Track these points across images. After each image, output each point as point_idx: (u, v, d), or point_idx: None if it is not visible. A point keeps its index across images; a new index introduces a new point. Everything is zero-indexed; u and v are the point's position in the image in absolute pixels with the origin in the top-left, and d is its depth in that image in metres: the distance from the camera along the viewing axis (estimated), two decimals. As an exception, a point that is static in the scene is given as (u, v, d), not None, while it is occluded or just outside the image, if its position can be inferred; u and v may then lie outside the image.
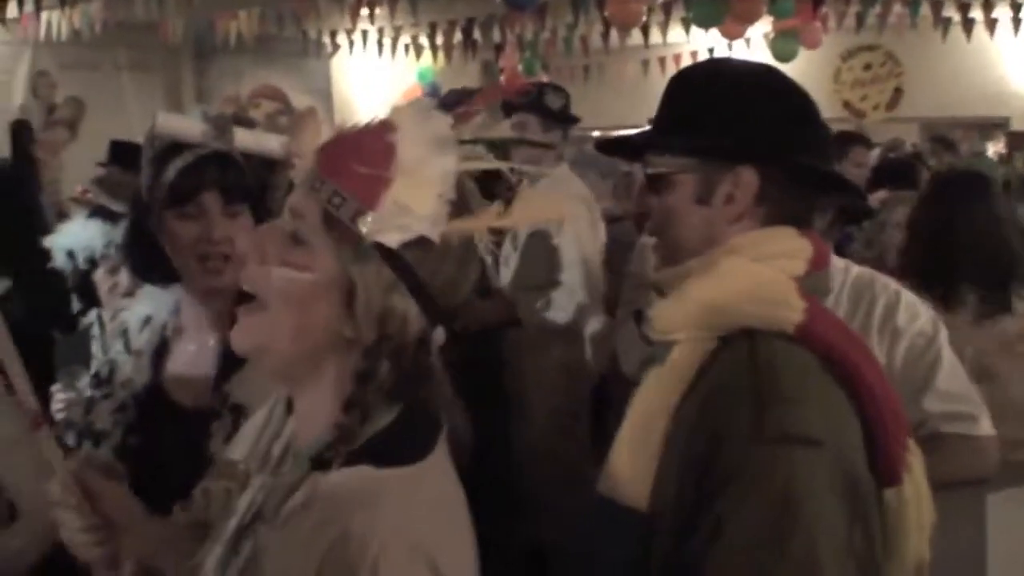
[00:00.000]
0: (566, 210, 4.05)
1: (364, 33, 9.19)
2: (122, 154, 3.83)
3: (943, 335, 2.24)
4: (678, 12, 7.74)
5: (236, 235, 1.86)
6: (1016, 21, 7.88)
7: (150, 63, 10.24)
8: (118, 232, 2.39)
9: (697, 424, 1.38)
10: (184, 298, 2.05)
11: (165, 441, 1.93)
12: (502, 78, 9.96)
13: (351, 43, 9.36)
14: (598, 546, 1.50)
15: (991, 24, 7.86)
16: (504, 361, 4.03)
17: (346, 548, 1.16)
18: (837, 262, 2.10)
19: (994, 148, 10.31)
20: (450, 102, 3.84)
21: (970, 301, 2.62)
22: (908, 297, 2.26)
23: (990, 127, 10.92)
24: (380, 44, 9.38)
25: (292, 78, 9.93)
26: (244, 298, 1.33)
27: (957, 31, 7.86)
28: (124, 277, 3.10)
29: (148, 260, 2.03)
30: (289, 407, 1.41)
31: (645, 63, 9.92)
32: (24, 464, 2.29)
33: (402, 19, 8.24)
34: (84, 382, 2.10)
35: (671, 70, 8.35)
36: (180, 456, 1.74)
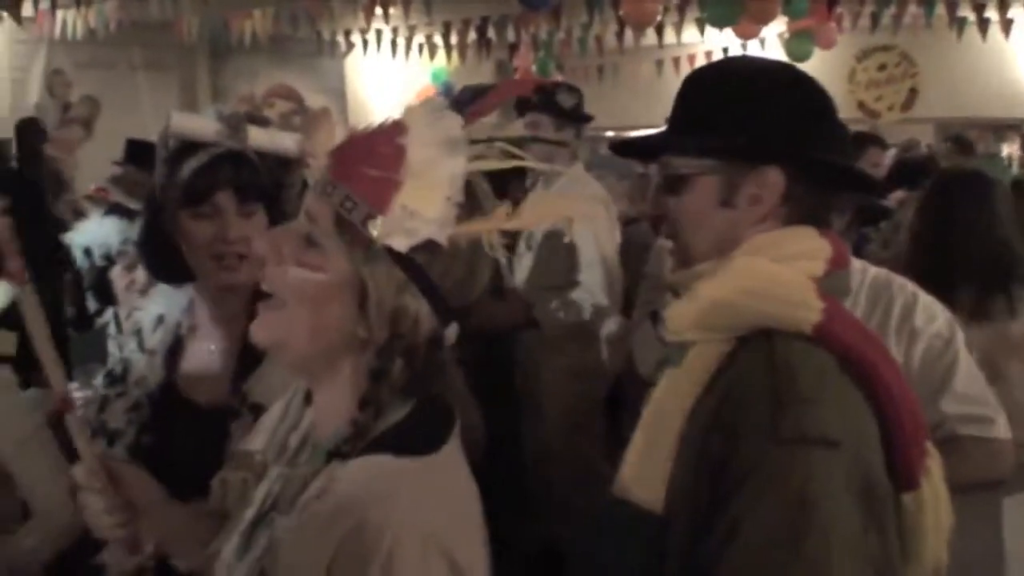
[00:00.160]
0: (581, 209, 4.06)
1: (378, 33, 9.21)
2: (138, 153, 3.85)
3: (960, 337, 2.23)
4: (692, 12, 7.71)
5: (251, 234, 1.88)
6: (1031, 21, 7.86)
7: (165, 62, 10.28)
8: (134, 229, 2.40)
9: (713, 424, 1.37)
10: (197, 297, 2.05)
11: (179, 440, 1.93)
12: (516, 78, 9.96)
13: (365, 43, 9.38)
14: (612, 548, 1.49)
15: (1006, 24, 7.82)
16: (517, 361, 4.02)
17: (361, 537, 1.19)
18: (855, 263, 2.09)
19: (1008, 149, 10.28)
20: (465, 100, 3.83)
21: (968, 302, 2.61)
22: (925, 298, 2.25)
23: (1005, 128, 10.89)
24: (394, 44, 9.38)
25: (306, 78, 9.93)
26: (260, 296, 1.35)
27: (972, 31, 7.83)
28: (141, 274, 3.11)
29: (163, 259, 2.03)
30: (308, 399, 1.44)
31: (659, 63, 9.92)
32: (37, 463, 2.30)
33: (416, 19, 8.25)
34: (100, 380, 2.10)
35: (685, 70, 8.32)
36: (195, 454, 1.74)
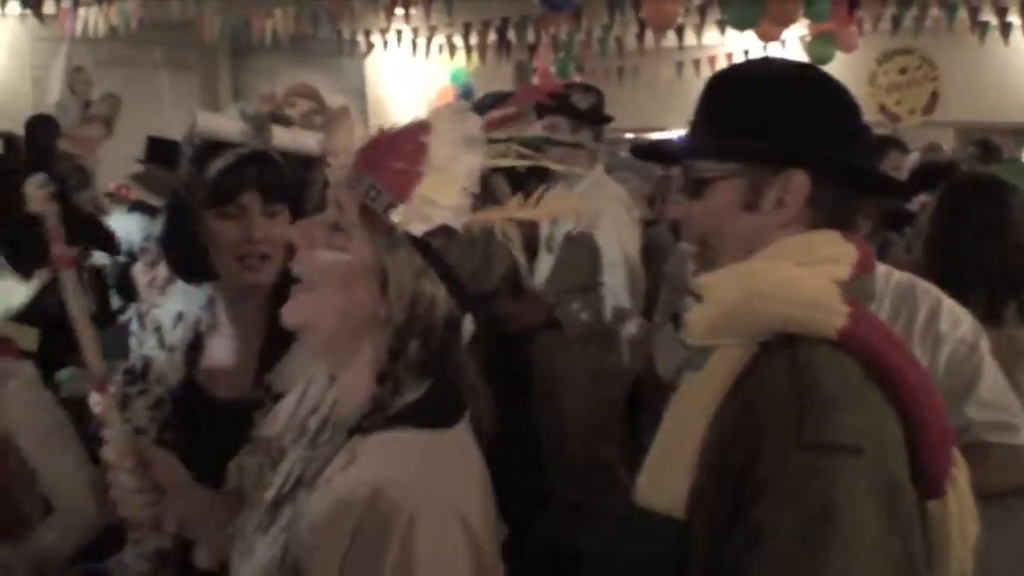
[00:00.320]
0: (597, 207, 4.07)
1: (398, 33, 9.23)
2: (159, 151, 3.86)
3: (984, 343, 2.22)
4: (713, 14, 7.70)
5: (275, 235, 1.92)
6: (1055, 26, 7.81)
7: (186, 60, 10.34)
8: (156, 225, 2.41)
9: (736, 429, 1.36)
10: (216, 295, 2.06)
11: (202, 435, 1.95)
12: (535, 79, 9.95)
13: (385, 43, 9.41)
14: (630, 553, 1.48)
15: (1029, 29, 7.79)
16: (533, 361, 4.02)
17: (382, 507, 1.26)
18: (880, 268, 2.07)
19: (1029, 154, 10.20)
20: (485, 106, 3.83)
21: (980, 307, 2.59)
22: (949, 303, 2.23)
23: (1026, 133, 10.81)
24: (414, 44, 9.41)
25: (327, 77, 9.96)
26: (278, 294, 1.44)
27: (994, 35, 7.77)
28: (163, 270, 3.12)
29: (186, 258, 2.03)
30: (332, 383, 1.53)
31: (680, 65, 9.89)
32: (60, 459, 2.32)
33: (436, 19, 8.26)
34: (119, 377, 2.11)
35: (706, 72, 8.32)
36: (218, 448, 1.75)
